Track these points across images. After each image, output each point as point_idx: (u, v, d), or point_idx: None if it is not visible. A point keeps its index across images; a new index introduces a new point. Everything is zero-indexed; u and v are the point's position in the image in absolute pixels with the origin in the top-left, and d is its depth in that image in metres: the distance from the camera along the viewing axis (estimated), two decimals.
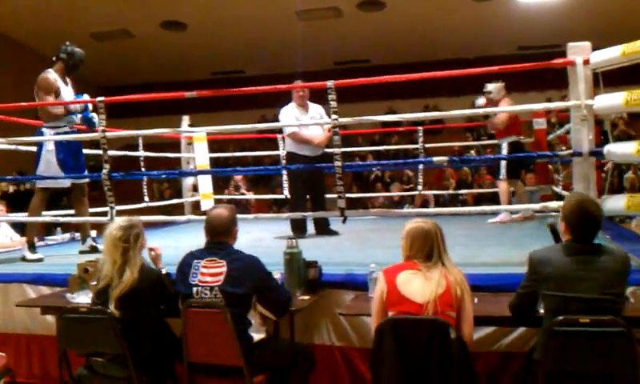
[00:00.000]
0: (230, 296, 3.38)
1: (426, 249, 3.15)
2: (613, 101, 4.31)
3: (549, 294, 3.00)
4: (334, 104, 4.81)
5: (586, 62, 4.43)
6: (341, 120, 4.87)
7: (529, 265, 3.14)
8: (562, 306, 2.92)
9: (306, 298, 3.94)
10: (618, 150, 4.42)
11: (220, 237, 3.60)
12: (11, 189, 12.48)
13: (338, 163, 4.79)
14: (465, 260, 4.61)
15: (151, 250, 3.98)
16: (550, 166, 8.40)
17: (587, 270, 2.95)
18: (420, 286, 3.05)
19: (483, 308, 3.51)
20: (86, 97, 5.69)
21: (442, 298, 3.02)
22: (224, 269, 3.44)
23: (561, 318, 2.86)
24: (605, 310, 2.86)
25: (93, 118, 5.59)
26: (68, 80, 5.77)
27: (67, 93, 5.67)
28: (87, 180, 5.91)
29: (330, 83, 4.75)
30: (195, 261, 3.52)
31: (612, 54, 4.32)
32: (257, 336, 3.51)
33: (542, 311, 3.13)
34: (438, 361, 2.90)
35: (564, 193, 6.61)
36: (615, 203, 4.37)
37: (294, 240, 4.10)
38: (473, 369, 3.01)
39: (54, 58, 5.69)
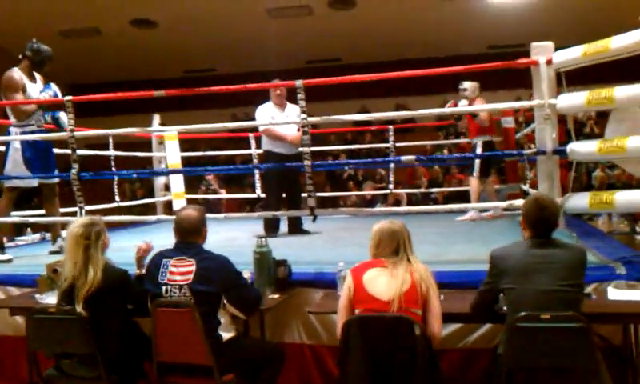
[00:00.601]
0: (199, 294, 3.40)
1: (393, 245, 3.21)
2: (575, 100, 4.42)
3: (508, 287, 3.09)
4: (302, 103, 4.85)
5: (549, 62, 4.53)
6: (310, 119, 4.90)
7: (489, 262, 3.23)
8: (522, 299, 3.02)
9: (276, 296, 3.97)
10: (581, 148, 4.53)
11: (189, 237, 3.61)
12: None
13: (307, 162, 4.83)
14: (433, 257, 4.69)
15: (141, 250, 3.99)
16: (521, 165, 8.52)
17: (545, 264, 3.06)
18: (385, 284, 3.10)
19: (449, 305, 3.57)
20: (53, 87, 5.63)
21: (406, 295, 3.07)
22: (193, 267, 3.46)
23: (522, 314, 2.94)
24: (562, 301, 2.96)
25: (60, 118, 5.54)
26: (37, 77, 5.71)
27: (34, 90, 5.61)
28: (57, 180, 5.86)
29: (298, 83, 4.79)
30: (164, 260, 3.53)
31: (574, 54, 4.42)
32: (226, 335, 3.53)
33: (504, 308, 3.21)
34: (403, 357, 2.96)
35: (532, 191, 6.71)
36: (579, 201, 4.48)
37: (263, 239, 4.13)
38: (437, 365, 3.06)
39: (20, 56, 5.63)
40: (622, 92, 4.13)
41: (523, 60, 4.70)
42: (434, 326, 3.12)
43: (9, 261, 5.46)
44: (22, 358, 4.45)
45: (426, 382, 2.98)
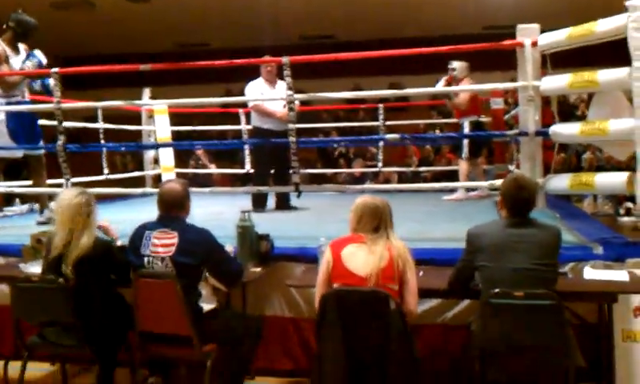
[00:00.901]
0: (181, 266, 3.45)
1: (375, 222, 3.23)
2: (558, 82, 4.46)
3: (483, 264, 3.15)
4: (289, 80, 4.88)
5: (534, 44, 4.55)
6: (296, 96, 4.94)
7: (466, 239, 3.29)
8: (496, 276, 3.08)
9: (258, 270, 4.03)
10: (564, 130, 4.57)
11: (173, 210, 3.64)
12: None
13: (292, 138, 4.87)
14: (416, 235, 4.76)
15: (99, 227, 4.00)
16: (510, 146, 8.56)
17: (520, 242, 3.12)
18: (363, 260, 3.14)
19: (427, 281, 3.63)
20: (38, 55, 5.61)
21: (384, 272, 3.12)
22: (175, 240, 3.50)
23: (496, 290, 3.01)
24: (535, 279, 3.03)
25: (49, 84, 5.53)
26: (21, 48, 5.69)
27: (17, 62, 5.59)
28: (43, 151, 5.86)
29: (285, 59, 4.82)
30: (147, 232, 3.58)
31: (559, 37, 4.46)
32: (207, 306, 3.58)
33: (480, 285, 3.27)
34: (378, 331, 3.02)
35: (517, 171, 6.76)
36: (559, 182, 4.54)
37: (246, 214, 4.18)
38: (411, 339, 3.12)
39: (3, 27, 5.60)
40: (605, 75, 4.17)
41: (508, 41, 4.73)
42: (409, 303, 3.18)
43: None
44: (7, 327, 4.51)
45: (401, 357, 3.05)
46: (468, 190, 7.20)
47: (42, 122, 6.28)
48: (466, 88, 6.82)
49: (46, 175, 5.90)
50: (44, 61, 5.61)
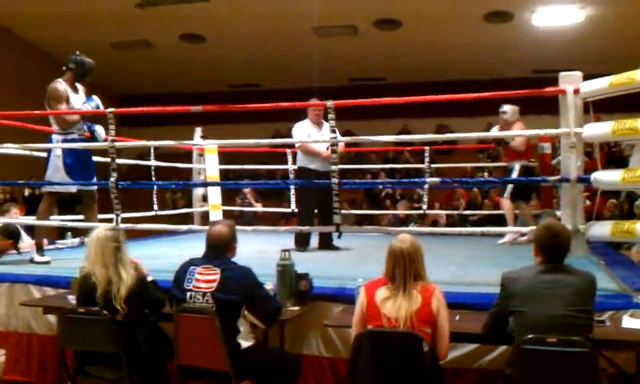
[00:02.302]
0: (221, 302, 3.55)
1: (402, 264, 3.25)
2: (600, 129, 4.45)
3: (517, 310, 3.15)
4: (332, 122, 4.99)
5: (576, 91, 4.56)
6: (339, 138, 5.04)
7: (501, 283, 3.30)
8: (530, 322, 3.08)
9: (296, 308, 4.10)
10: (605, 177, 4.54)
11: (219, 251, 3.77)
12: (27, 192, 12.74)
13: (334, 180, 4.96)
14: (456, 278, 4.78)
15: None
16: (557, 191, 8.48)
17: (554, 288, 3.12)
18: (396, 303, 3.17)
19: (464, 325, 3.65)
20: (95, 99, 5.87)
21: (417, 315, 3.16)
22: (218, 276, 3.61)
23: (530, 336, 3.00)
24: (569, 326, 3.01)
25: (96, 131, 5.80)
26: (80, 88, 5.96)
27: (77, 101, 5.85)
28: (96, 187, 6.09)
29: (329, 103, 4.94)
30: (192, 267, 3.70)
31: (601, 85, 4.46)
32: (245, 343, 3.66)
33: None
34: (411, 372, 3.04)
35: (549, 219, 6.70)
36: (600, 229, 4.49)
37: (287, 253, 4.27)
38: (444, 380, 3.13)
39: (63, 68, 5.88)
40: None
41: (551, 88, 4.75)
42: (440, 347, 3.20)
43: (47, 262, 5.70)
44: (51, 357, 4.68)
45: None
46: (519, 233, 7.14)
47: (96, 158, 6.54)
48: (519, 133, 6.84)
49: (97, 210, 6.10)
50: (101, 106, 5.87)
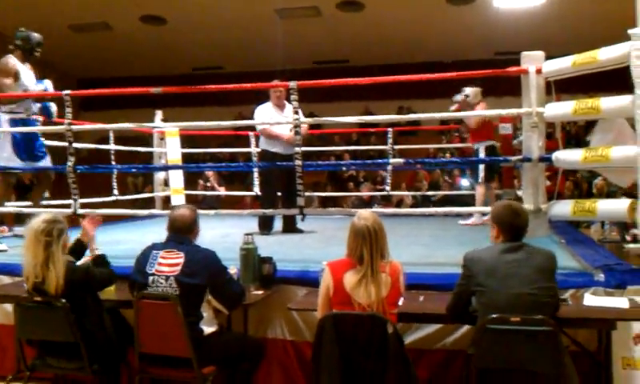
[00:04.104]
0: (185, 286, 3.49)
1: (368, 243, 3.19)
2: (562, 109, 4.47)
3: (480, 289, 3.16)
4: (295, 104, 4.94)
5: (539, 71, 4.58)
6: (302, 119, 4.99)
7: (463, 264, 3.30)
8: (493, 301, 3.09)
9: (260, 292, 4.06)
10: (566, 156, 4.58)
11: (181, 234, 3.71)
12: None
13: (298, 162, 4.91)
14: (420, 260, 4.77)
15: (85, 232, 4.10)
16: (517, 171, 8.56)
17: (517, 267, 3.15)
18: (367, 289, 3.13)
19: (428, 306, 3.65)
20: (46, 83, 5.74)
21: (388, 300, 3.14)
22: (181, 260, 3.55)
23: (494, 316, 3.01)
24: (532, 304, 3.04)
25: (50, 107, 5.67)
26: (30, 69, 5.83)
27: (28, 79, 5.73)
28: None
29: (292, 84, 4.88)
30: (154, 251, 3.64)
31: (563, 64, 4.48)
32: (208, 329, 3.61)
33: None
34: (376, 354, 3.02)
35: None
36: (562, 208, 4.53)
37: (250, 236, 4.22)
38: (409, 362, 3.12)
39: (10, 47, 5.77)
40: (608, 102, 4.18)
41: (513, 68, 4.76)
42: None
43: (3, 251, 5.55)
44: (9, 346, 4.56)
45: (398, 380, 3.05)
46: (484, 214, 7.18)
47: (54, 142, 6.39)
48: (478, 113, 6.85)
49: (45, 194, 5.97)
50: (50, 89, 5.74)
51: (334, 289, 3.22)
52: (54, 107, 5.65)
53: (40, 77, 5.88)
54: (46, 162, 6.03)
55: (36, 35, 5.80)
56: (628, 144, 4.15)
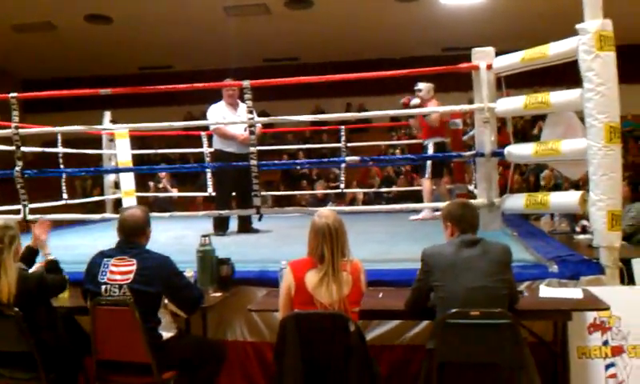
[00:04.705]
0: (139, 294, 3.41)
1: (321, 247, 3.19)
2: (514, 104, 4.56)
3: (438, 284, 3.21)
4: (249, 103, 4.90)
5: (489, 67, 4.65)
6: (256, 119, 4.96)
7: (421, 260, 3.34)
8: (451, 296, 3.14)
9: (218, 294, 4.02)
10: (518, 151, 4.67)
11: (133, 237, 3.62)
12: None
13: (253, 162, 4.88)
14: (377, 256, 4.79)
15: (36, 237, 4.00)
16: (468, 166, 8.68)
17: (474, 261, 3.20)
18: (329, 288, 3.14)
19: (387, 302, 3.67)
20: None
21: (349, 298, 3.15)
22: (133, 267, 3.47)
23: (453, 311, 3.04)
24: (489, 297, 3.10)
25: None
26: None
27: None
28: None
29: (245, 83, 4.84)
30: (105, 259, 3.54)
31: (513, 60, 4.56)
32: (166, 333, 3.55)
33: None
34: (338, 353, 3.03)
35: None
36: (515, 201, 4.62)
37: (206, 238, 4.18)
38: (371, 359, 3.14)
39: None
40: (557, 97, 4.28)
41: (464, 64, 4.82)
42: None
43: None
44: None
45: (361, 378, 3.06)
46: (435, 209, 7.26)
47: None
48: (434, 109, 6.92)
49: None
50: None
51: (295, 288, 3.21)
52: None
53: None
54: None
55: None
56: (578, 137, 4.26)
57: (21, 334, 3.41)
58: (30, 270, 3.80)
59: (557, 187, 10.38)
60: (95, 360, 3.48)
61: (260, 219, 5.33)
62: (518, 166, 11.49)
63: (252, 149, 4.91)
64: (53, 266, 3.88)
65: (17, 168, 5.15)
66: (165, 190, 10.49)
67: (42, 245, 4.02)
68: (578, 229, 6.23)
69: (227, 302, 4.14)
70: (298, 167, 13.48)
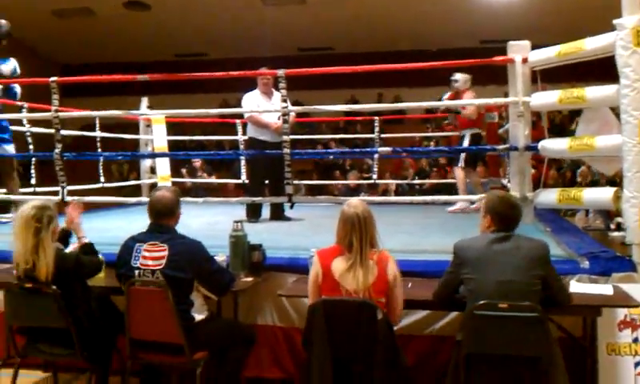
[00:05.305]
0: (172, 279, 3.47)
1: (355, 230, 3.23)
2: (548, 98, 4.52)
3: (469, 277, 3.22)
4: (284, 92, 4.94)
5: (525, 61, 4.62)
6: (290, 108, 5.01)
7: (453, 252, 3.34)
8: (481, 288, 3.14)
9: (250, 279, 4.08)
10: (552, 145, 4.63)
11: (163, 219, 3.66)
12: None
13: (286, 150, 4.92)
14: (407, 247, 4.81)
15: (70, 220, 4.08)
16: (503, 160, 8.62)
17: (506, 255, 3.19)
18: (355, 275, 3.18)
19: (415, 293, 3.69)
20: (12, 61, 5.68)
21: (374, 287, 3.18)
22: (165, 253, 3.52)
23: (482, 302, 3.06)
24: (520, 292, 3.08)
25: (14, 88, 5.62)
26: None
27: None
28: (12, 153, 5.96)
29: (280, 72, 4.88)
30: (137, 244, 3.59)
31: (549, 54, 4.52)
32: (198, 316, 3.62)
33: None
34: (365, 341, 3.07)
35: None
36: (548, 196, 4.59)
37: (239, 224, 4.24)
38: (398, 348, 3.17)
39: None
40: (593, 92, 4.23)
41: (499, 58, 4.80)
42: (393, 314, 3.24)
43: None
44: (1, 333, 4.55)
45: (387, 366, 3.10)
46: (470, 201, 7.24)
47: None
48: (469, 102, 6.91)
49: (17, 178, 5.98)
50: (18, 69, 5.68)
51: (322, 275, 3.26)
52: (17, 88, 5.58)
53: (5, 58, 5.80)
54: (11, 149, 5.99)
55: (4, 22, 5.72)
56: (613, 133, 4.21)
57: (59, 312, 3.51)
58: (66, 251, 3.90)
59: (594, 184, 10.26)
60: (128, 339, 3.57)
61: (291, 207, 5.39)
62: (556, 161, 11.38)
63: (285, 137, 4.95)
64: (88, 248, 3.97)
65: (56, 150, 5.27)
66: (194, 171, 10.56)
67: (76, 228, 4.10)
68: (612, 226, 6.18)
69: (258, 287, 4.20)
70: (330, 156, 13.48)
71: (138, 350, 3.60)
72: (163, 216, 3.66)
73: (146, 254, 3.54)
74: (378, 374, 3.06)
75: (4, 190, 6.58)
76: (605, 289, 3.58)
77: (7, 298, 3.74)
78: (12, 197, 6.20)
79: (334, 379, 3.10)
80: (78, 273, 3.71)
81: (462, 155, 7.33)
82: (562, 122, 13.68)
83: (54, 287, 3.52)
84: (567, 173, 11.95)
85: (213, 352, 3.62)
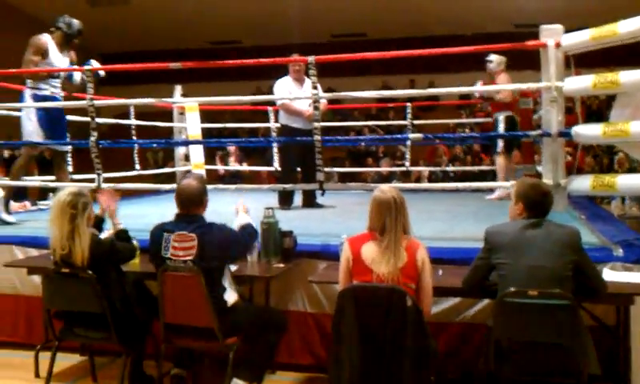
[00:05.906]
0: (203, 268, 3.51)
1: (385, 216, 3.23)
2: (582, 83, 4.46)
3: (500, 263, 3.20)
4: (314, 79, 4.95)
5: (558, 45, 4.55)
6: (321, 95, 5.02)
7: (484, 238, 3.33)
8: (512, 275, 3.13)
9: (281, 265, 4.12)
10: (586, 131, 4.57)
11: (190, 208, 3.67)
12: (6, 154, 12.57)
13: (317, 137, 4.94)
14: (438, 234, 4.81)
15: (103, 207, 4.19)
16: (537, 146, 8.52)
17: (537, 241, 3.16)
18: (383, 259, 3.19)
19: (447, 280, 3.69)
20: (93, 62, 5.78)
21: (403, 271, 3.18)
22: (195, 242, 3.54)
23: (511, 289, 3.05)
24: (551, 278, 3.07)
25: (74, 74, 5.73)
26: (68, 51, 5.90)
27: (58, 59, 5.76)
28: (68, 147, 6.04)
29: (310, 59, 4.89)
30: (166, 234, 3.61)
31: (582, 38, 4.45)
32: (231, 300, 3.68)
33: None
34: (394, 326, 3.08)
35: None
36: (581, 183, 4.53)
37: (271, 210, 4.28)
38: (428, 334, 3.17)
39: (51, 29, 5.79)
40: (627, 76, 4.15)
41: (532, 42, 4.74)
42: (423, 303, 3.23)
43: (12, 223, 5.68)
44: (37, 317, 4.69)
45: (417, 352, 3.11)
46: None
47: (75, 117, 6.46)
48: (501, 87, 6.85)
49: (67, 169, 6.10)
50: (101, 73, 5.79)
51: (353, 260, 3.28)
52: (78, 75, 5.70)
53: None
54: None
55: (78, 22, 5.86)
56: None
57: (94, 296, 3.61)
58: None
59: (631, 171, 10.08)
60: (163, 323, 3.64)
61: (323, 194, 5.41)
62: (592, 148, 11.20)
63: (316, 124, 4.97)
64: (123, 235, 4.05)
65: (92, 138, 5.37)
66: (227, 156, 10.64)
67: (112, 214, 4.17)
68: None
69: (289, 273, 4.24)
70: (362, 144, 13.45)
71: (171, 334, 3.67)
72: (190, 205, 3.68)
73: (176, 244, 3.57)
74: (408, 360, 3.07)
75: (38, 178, 6.74)
76: (638, 277, 3.53)
77: (45, 283, 3.86)
78: (50, 184, 6.36)
79: (363, 365, 3.12)
80: (112, 258, 3.80)
81: (500, 141, 7.25)
82: (600, 108, 13.45)
83: (90, 272, 3.60)
84: (604, 160, 11.75)
85: (245, 337, 3.67)
